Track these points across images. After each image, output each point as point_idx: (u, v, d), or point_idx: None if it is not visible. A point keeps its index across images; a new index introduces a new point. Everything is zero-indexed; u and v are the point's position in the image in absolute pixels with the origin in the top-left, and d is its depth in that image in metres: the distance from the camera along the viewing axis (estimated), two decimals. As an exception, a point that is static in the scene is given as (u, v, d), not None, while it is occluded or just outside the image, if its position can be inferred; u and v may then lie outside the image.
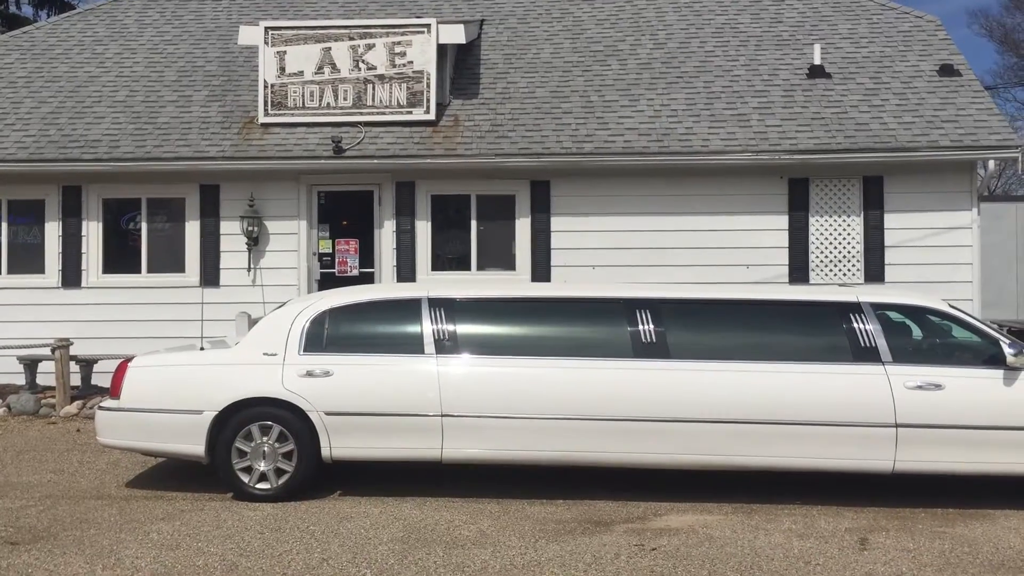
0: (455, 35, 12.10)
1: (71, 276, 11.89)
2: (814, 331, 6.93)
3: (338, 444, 6.81)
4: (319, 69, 11.92)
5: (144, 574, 5.30)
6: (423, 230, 11.72)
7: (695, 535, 6.01)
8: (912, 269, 11.22)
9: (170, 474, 7.74)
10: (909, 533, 6.08)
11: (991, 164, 11.27)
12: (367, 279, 11.66)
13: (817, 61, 12.41)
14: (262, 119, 11.93)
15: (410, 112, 11.84)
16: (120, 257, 11.97)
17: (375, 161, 11.45)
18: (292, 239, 11.79)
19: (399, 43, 11.89)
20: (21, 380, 11.28)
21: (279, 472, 6.85)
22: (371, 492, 7.02)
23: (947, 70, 12.21)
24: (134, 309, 11.69)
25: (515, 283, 10.85)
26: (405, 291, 7.50)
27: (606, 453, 6.72)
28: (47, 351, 10.95)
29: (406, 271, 11.66)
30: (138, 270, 11.93)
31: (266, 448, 6.84)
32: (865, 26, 13.36)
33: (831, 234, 11.45)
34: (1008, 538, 5.99)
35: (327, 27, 12.13)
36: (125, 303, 11.74)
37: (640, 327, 6.82)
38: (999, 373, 6.57)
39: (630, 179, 11.58)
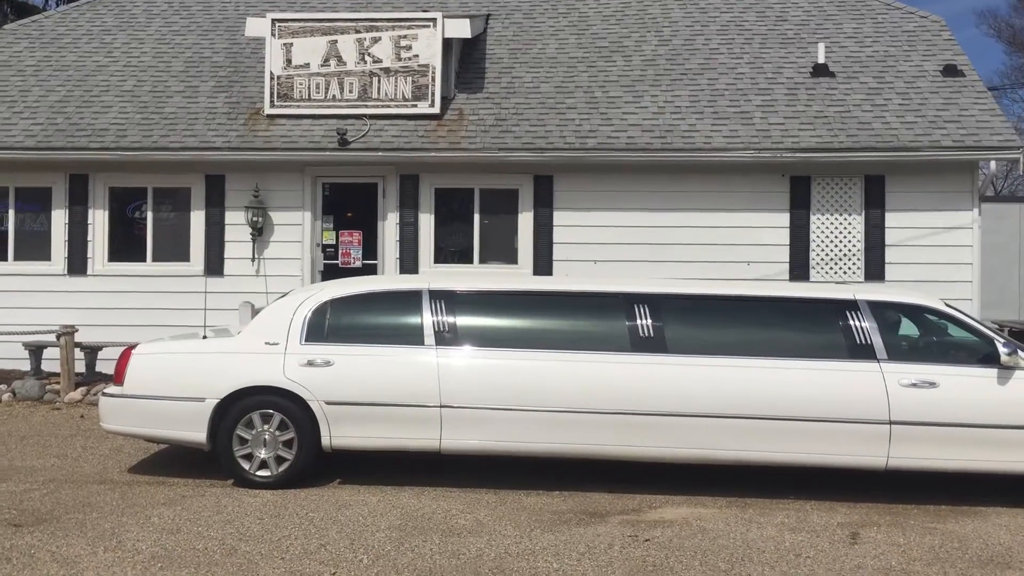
0: (460, 30, 12.16)
1: (77, 264, 11.99)
2: (811, 328, 7.00)
3: (338, 433, 6.90)
4: (325, 61, 11.99)
5: (145, 557, 5.40)
6: (426, 223, 11.80)
7: (689, 527, 6.09)
8: (912, 268, 11.27)
9: (172, 460, 7.84)
10: (900, 528, 6.15)
11: (992, 165, 11.30)
12: (370, 271, 11.76)
13: (821, 60, 12.45)
14: (268, 110, 12.01)
15: (415, 105, 11.91)
16: (125, 245, 12.08)
17: (379, 154, 11.52)
18: (296, 230, 11.87)
19: (405, 37, 11.95)
20: (26, 366, 11.39)
21: (279, 460, 6.94)
22: (370, 481, 7.11)
23: (951, 70, 12.25)
24: (139, 297, 11.79)
25: (516, 277, 10.92)
26: (406, 283, 7.58)
27: (603, 446, 6.80)
28: (52, 338, 11.06)
29: (409, 263, 11.74)
30: (143, 259, 12.02)
31: (267, 436, 6.93)
32: (870, 25, 13.39)
33: (832, 232, 11.51)
34: (998, 535, 6.06)
35: (333, 20, 12.20)
36: (130, 291, 11.84)
37: (638, 321, 6.89)
38: (993, 372, 6.64)
39: (633, 175, 11.64)
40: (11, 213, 12.17)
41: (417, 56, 11.94)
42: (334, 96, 11.97)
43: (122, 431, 7.33)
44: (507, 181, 11.78)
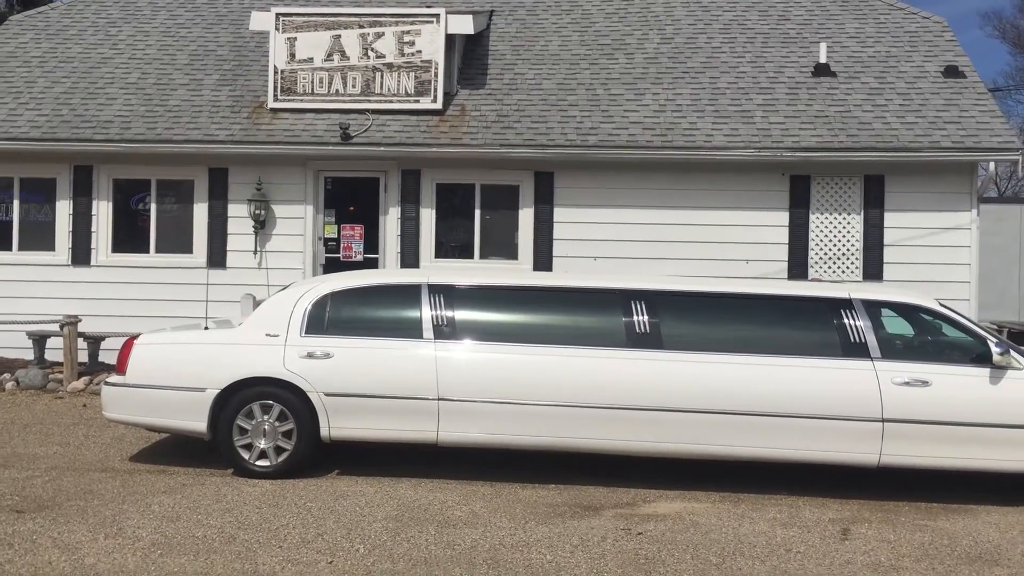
0: (464, 26, 12.22)
1: (81, 254, 12.08)
2: (805, 326, 7.06)
3: (337, 424, 6.98)
4: (329, 56, 12.06)
5: (145, 543, 5.48)
6: (427, 218, 11.87)
7: (681, 521, 6.17)
8: (910, 268, 11.33)
9: (173, 449, 7.92)
10: (891, 525, 6.22)
11: (991, 166, 11.35)
12: (371, 265, 11.83)
13: (823, 59, 12.50)
14: (271, 104, 12.09)
15: (417, 101, 11.97)
16: (129, 237, 12.16)
17: (382, 148, 11.60)
18: (298, 223, 11.95)
19: (408, 32, 12.02)
20: (30, 355, 11.49)
21: (279, 450, 7.02)
22: (368, 472, 7.19)
23: (952, 71, 12.29)
24: (142, 288, 11.87)
25: (515, 272, 10.98)
26: (405, 277, 7.66)
27: (598, 440, 6.87)
28: (56, 327, 11.15)
29: (410, 258, 11.82)
30: (146, 250, 12.11)
31: (266, 426, 7.01)
32: (872, 25, 13.43)
33: (831, 231, 11.57)
34: (987, 532, 6.13)
35: (337, 15, 12.26)
36: (133, 282, 11.92)
37: (634, 318, 6.96)
38: (985, 371, 6.70)
39: (633, 172, 11.70)
40: (16, 203, 12.26)
41: (420, 51, 12.01)
42: (337, 91, 12.04)
43: (124, 420, 7.42)
44: (508, 177, 11.85)
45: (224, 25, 14.00)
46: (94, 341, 11.55)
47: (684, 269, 11.26)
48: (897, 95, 12.03)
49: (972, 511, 6.61)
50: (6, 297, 11.89)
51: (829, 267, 11.54)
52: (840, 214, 11.56)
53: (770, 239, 11.55)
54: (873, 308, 7.00)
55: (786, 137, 11.43)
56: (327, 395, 6.95)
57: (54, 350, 11.37)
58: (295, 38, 12.08)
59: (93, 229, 12.08)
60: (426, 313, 7.12)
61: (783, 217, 11.59)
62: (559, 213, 11.75)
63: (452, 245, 11.97)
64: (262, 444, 7.02)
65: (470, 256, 11.86)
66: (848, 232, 11.56)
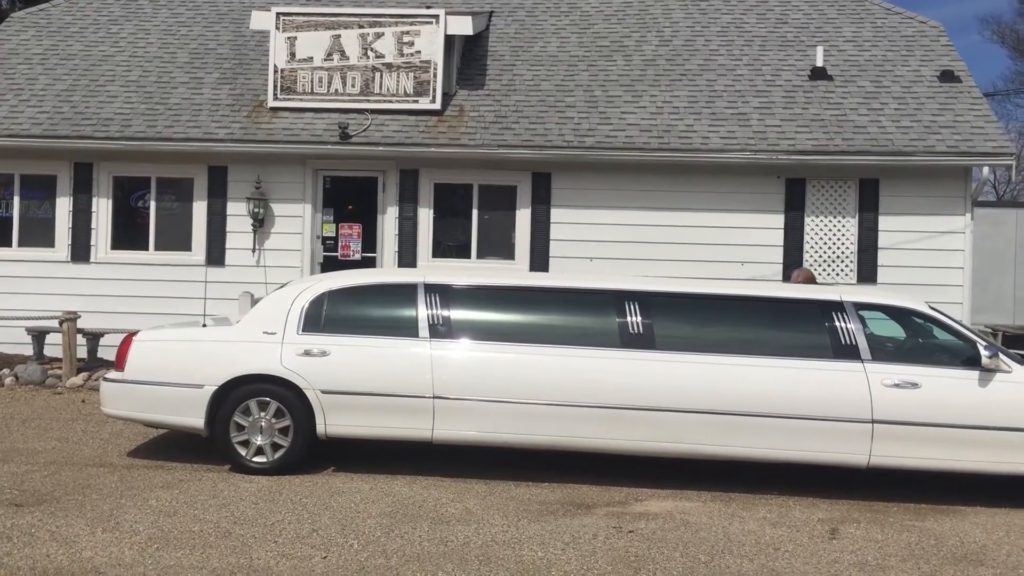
0: (463, 26, 12.29)
1: (80, 251, 12.15)
2: (797, 327, 7.14)
3: (333, 421, 7.06)
4: (328, 56, 12.14)
5: (142, 538, 5.56)
6: (425, 217, 11.95)
7: (672, 520, 6.25)
8: (904, 271, 11.41)
9: (170, 445, 8.00)
10: (879, 525, 6.30)
11: (985, 170, 11.44)
12: (369, 264, 11.91)
13: (819, 63, 12.58)
14: (271, 103, 12.16)
15: (416, 101, 12.05)
16: (128, 234, 12.23)
17: (380, 148, 11.67)
18: (297, 222, 12.02)
19: (407, 32, 12.09)
20: (29, 351, 11.54)
21: (275, 447, 7.10)
22: (363, 469, 7.26)
23: (947, 76, 12.37)
24: (141, 285, 11.94)
25: (511, 272, 11.06)
26: (402, 276, 7.73)
27: (591, 439, 6.95)
28: (55, 323, 11.22)
29: (407, 257, 11.89)
30: (146, 247, 12.18)
31: (263, 423, 7.09)
32: (869, 30, 13.51)
33: (826, 234, 11.65)
34: (974, 533, 6.21)
35: (337, 14, 12.33)
36: (132, 279, 11.99)
37: (628, 318, 7.04)
38: (974, 374, 6.78)
39: (630, 174, 11.78)
40: (16, 200, 12.33)
41: (419, 52, 12.08)
42: (336, 90, 12.11)
43: (122, 416, 7.49)
44: (506, 178, 11.92)
45: (225, 24, 14.08)
46: (93, 337, 11.61)
47: (680, 270, 11.34)
48: (893, 99, 12.11)
49: (960, 512, 6.69)
50: (6, 293, 11.96)
51: (824, 270, 11.62)
52: (835, 217, 11.64)
53: (765, 241, 11.63)
54: (864, 311, 7.07)
55: (782, 140, 11.50)
56: (323, 392, 7.03)
57: (53, 346, 11.44)
58: (295, 37, 12.15)
59: (93, 226, 12.15)
60: (422, 312, 7.19)
61: (778, 220, 11.66)
62: (556, 214, 11.83)
63: (449, 245, 12.05)
64: (259, 441, 7.09)
65: (467, 256, 11.94)
66: (843, 235, 11.64)
